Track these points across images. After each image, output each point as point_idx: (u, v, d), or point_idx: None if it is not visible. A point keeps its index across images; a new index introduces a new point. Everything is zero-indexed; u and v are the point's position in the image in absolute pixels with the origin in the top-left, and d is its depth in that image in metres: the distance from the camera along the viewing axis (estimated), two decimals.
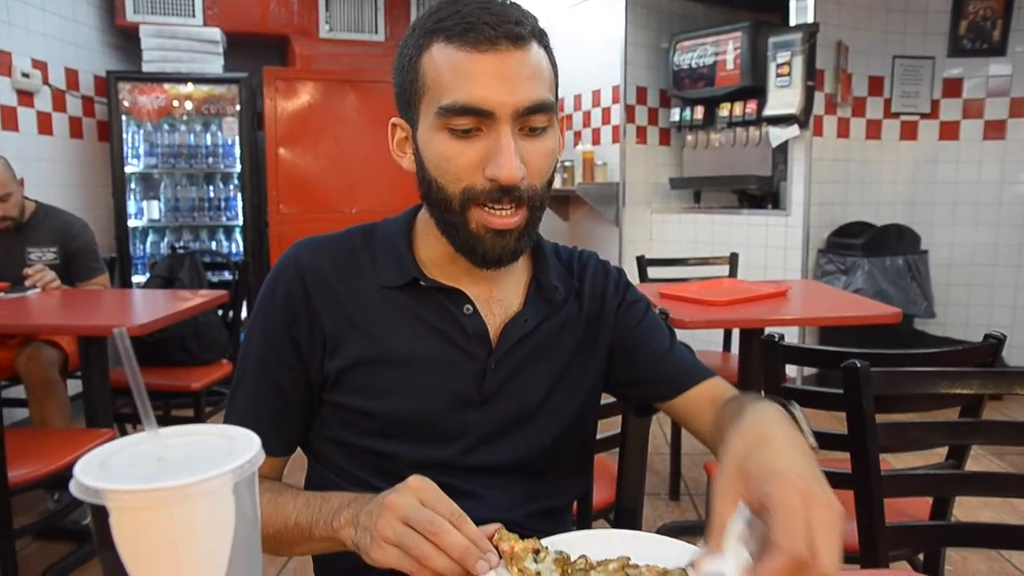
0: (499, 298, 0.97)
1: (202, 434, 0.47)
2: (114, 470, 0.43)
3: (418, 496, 0.72)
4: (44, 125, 3.91)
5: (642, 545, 0.76)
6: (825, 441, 1.45)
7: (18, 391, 2.89)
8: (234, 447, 0.45)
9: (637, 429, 1.26)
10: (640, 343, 1.04)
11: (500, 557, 0.70)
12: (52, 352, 2.78)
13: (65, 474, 2.07)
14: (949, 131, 4.40)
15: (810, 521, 0.57)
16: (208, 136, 4.52)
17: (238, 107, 4.47)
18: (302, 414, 0.96)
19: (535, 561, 0.70)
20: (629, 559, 0.72)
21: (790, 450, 0.66)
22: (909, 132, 4.46)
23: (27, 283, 2.78)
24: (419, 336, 0.94)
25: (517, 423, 0.96)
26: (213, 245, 4.64)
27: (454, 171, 0.85)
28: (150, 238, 4.60)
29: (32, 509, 2.71)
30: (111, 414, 2.54)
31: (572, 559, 0.72)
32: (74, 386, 2.98)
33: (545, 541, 0.75)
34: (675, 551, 0.75)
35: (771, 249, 4.28)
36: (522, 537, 0.73)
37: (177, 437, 0.47)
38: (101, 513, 0.41)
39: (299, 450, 1.02)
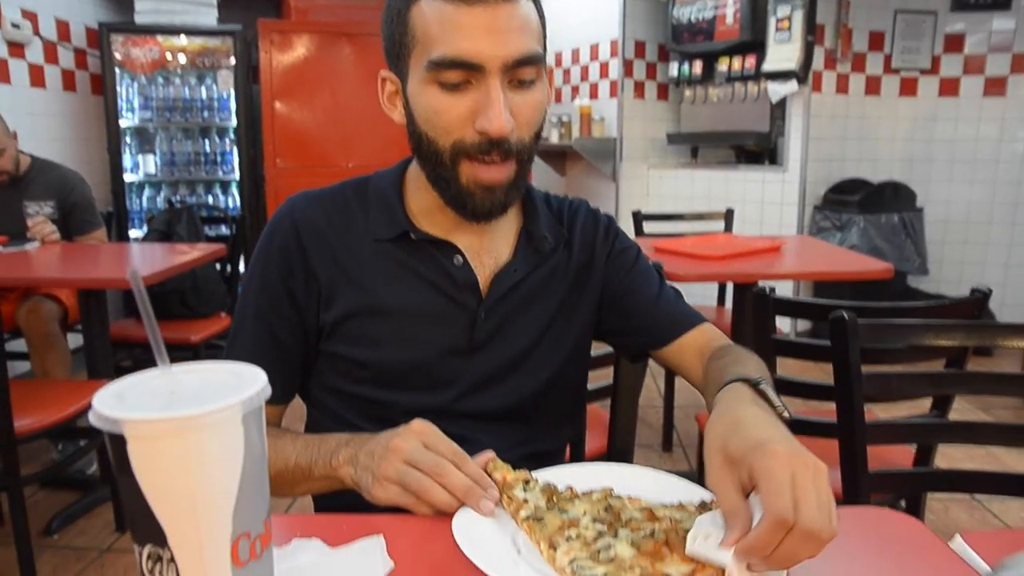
0: (489, 249, 1.00)
1: (211, 371, 0.50)
2: (130, 402, 0.46)
3: (421, 439, 0.75)
4: (36, 77, 3.87)
5: (628, 477, 0.80)
6: (811, 392, 1.50)
7: (19, 345, 2.92)
8: (242, 382, 0.48)
9: (629, 374, 1.29)
10: (630, 291, 1.07)
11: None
12: (52, 306, 2.80)
13: (69, 424, 2.12)
14: (949, 87, 4.38)
15: (794, 481, 0.60)
16: (203, 89, 4.48)
17: (233, 60, 4.42)
18: (299, 363, 0.99)
19: (524, 490, 0.74)
20: (612, 490, 0.75)
21: (762, 425, 0.68)
22: (909, 88, 4.43)
23: (29, 234, 2.79)
24: (411, 287, 0.96)
25: (507, 370, 1.00)
26: (210, 200, 4.63)
27: (444, 125, 0.87)
28: (146, 192, 4.59)
29: (37, 459, 2.77)
30: (112, 366, 2.57)
31: (559, 490, 0.76)
32: (74, 340, 3.01)
33: (535, 473, 0.78)
34: (660, 482, 0.79)
35: (767, 205, 4.29)
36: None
37: (188, 373, 0.50)
38: (119, 442, 0.44)
39: (297, 402, 1.05)
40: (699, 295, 3.45)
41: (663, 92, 4.82)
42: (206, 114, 4.50)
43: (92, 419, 0.44)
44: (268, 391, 0.48)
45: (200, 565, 0.46)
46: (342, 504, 0.93)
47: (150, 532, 0.45)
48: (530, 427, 1.02)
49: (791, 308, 1.55)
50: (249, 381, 0.48)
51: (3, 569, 2.15)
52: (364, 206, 0.99)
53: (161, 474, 0.44)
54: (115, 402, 0.45)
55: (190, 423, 0.44)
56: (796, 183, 4.15)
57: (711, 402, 0.81)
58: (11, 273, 2.40)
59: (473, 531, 0.68)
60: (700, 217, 3.33)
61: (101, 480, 2.64)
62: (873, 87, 4.42)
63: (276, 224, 0.99)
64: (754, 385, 0.79)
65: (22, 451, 1.93)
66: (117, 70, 4.27)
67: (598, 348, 1.29)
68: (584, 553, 0.63)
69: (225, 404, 0.45)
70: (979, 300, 1.53)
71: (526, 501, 0.73)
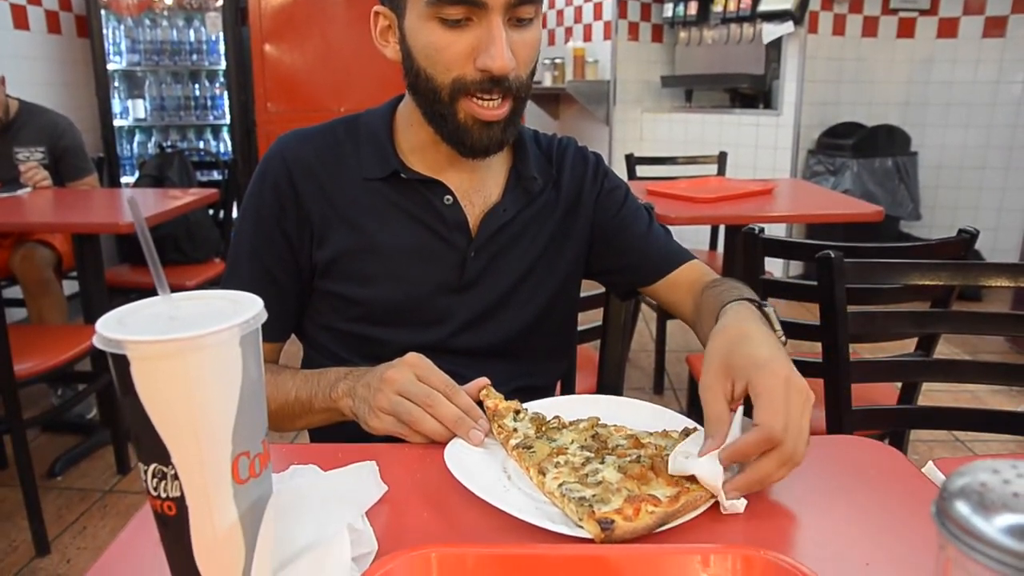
0: (478, 188, 1.01)
1: (210, 298, 0.51)
2: (132, 326, 0.47)
3: (414, 371, 0.78)
4: (19, 19, 3.79)
5: (614, 407, 0.83)
6: (798, 331, 1.52)
7: (15, 292, 2.93)
8: (239, 307, 0.49)
9: (618, 312, 1.32)
10: (620, 230, 1.08)
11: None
12: (46, 252, 2.80)
13: (67, 369, 2.14)
14: (948, 28, 4.32)
15: (788, 406, 0.64)
16: (191, 32, 4.40)
17: (220, 1, 4.33)
18: (294, 300, 1.01)
19: (514, 420, 0.77)
20: (599, 419, 0.78)
21: (768, 344, 0.71)
22: (907, 29, 4.37)
23: (23, 179, 2.77)
24: (401, 226, 0.98)
25: (497, 307, 1.02)
26: (201, 145, 4.59)
27: (445, 61, 0.87)
28: (137, 138, 4.54)
29: (37, 404, 2.80)
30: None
31: (548, 419, 0.78)
32: (69, 287, 3.02)
33: (527, 405, 0.81)
34: (644, 412, 0.82)
35: (761, 149, 4.27)
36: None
37: (187, 300, 0.51)
38: (122, 363, 0.46)
39: (293, 346, 1.07)
40: (691, 239, 3.45)
41: (658, 34, 4.75)
42: (195, 57, 4.42)
43: (96, 342, 0.46)
44: (264, 316, 0.50)
45: (202, 481, 0.48)
46: (338, 437, 0.96)
47: (154, 450, 0.47)
48: (521, 363, 1.05)
49: (780, 248, 1.56)
50: (246, 306, 0.49)
51: (10, 510, 2.21)
52: (355, 145, 1.00)
53: (163, 394, 0.46)
54: (118, 325, 0.47)
55: (190, 344, 0.45)
56: (790, 127, 4.13)
57: (705, 331, 0.83)
58: (4, 219, 2.40)
59: (464, 459, 0.71)
60: (693, 161, 3.32)
61: (101, 424, 2.68)
62: (870, 28, 4.36)
63: (267, 163, 0.99)
64: (759, 306, 0.81)
65: (22, 396, 1.96)
66: (103, 11, 4.18)
67: (588, 288, 1.31)
68: (572, 477, 0.66)
69: (223, 327, 0.46)
70: (966, 241, 1.55)
71: (516, 430, 0.75)
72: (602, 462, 0.69)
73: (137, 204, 0.48)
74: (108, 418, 2.53)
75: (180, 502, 0.49)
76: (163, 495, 0.49)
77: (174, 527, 0.50)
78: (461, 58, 0.86)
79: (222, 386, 0.47)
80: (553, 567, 0.54)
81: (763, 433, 0.62)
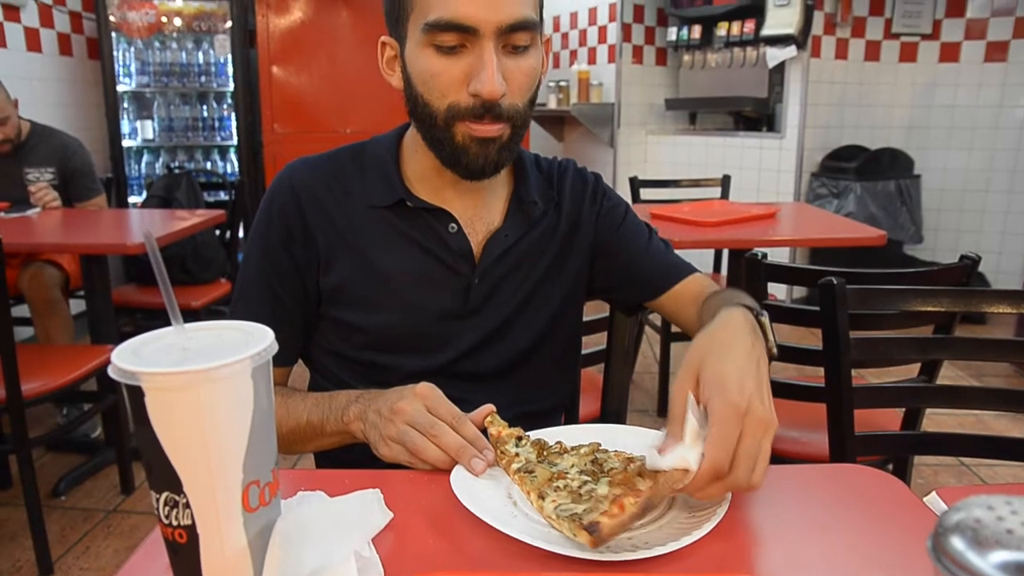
0: (482, 215, 1.03)
1: (222, 328, 0.53)
2: (146, 357, 0.48)
3: (424, 402, 0.79)
4: (32, 42, 3.85)
5: (617, 435, 0.83)
6: (800, 356, 1.53)
7: (22, 311, 2.95)
8: (251, 339, 0.51)
9: (622, 334, 1.33)
10: (621, 247, 1.10)
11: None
12: (54, 272, 2.82)
13: (73, 388, 2.15)
14: (950, 53, 4.35)
15: (741, 441, 0.64)
16: (200, 54, 4.45)
17: (229, 24, 4.39)
18: (301, 325, 1.02)
19: (517, 445, 0.78)
20: (600, 444, 0.79)
21: (743, 361, 0.70)
22: (909, 54, 4.41)
23: (32, 200, 2.80)
24: (407, 254, 0.99)
25: (501, 331, 1.03)
26: (208, 165, 4.63)
27: (439, 87, 0.89)
28: (145, 158, 4.59)
29: (42, 423, 2.81)
30: (116, 330, 2.60)
31: (550, 445, 0.79)
32: (76, 306, 3.04)
33: (529, 433, 0.82)
34: (647, 439, 0.82)
35: (764, 172, 4.29)
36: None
37: (199, 331, 0.52)
38: (137, 394, 0.47)
39: (300, 371, 1.08)
40: (695, 262, 3.47)
41: (662, 57, 4.80)
42: (203, 79, 4.47)
43: (112, 373, 0.47)
44: (275, 348, 0.51)
45: (214, 510, 0.49)
46: (344, 460, 0.97)
47: (166, 479, 0.48)
48: (524, 386, 1.05)
49: (783, 274, 1.57)
50: (258, 338, 0.51)
51: (14, 529, 2.21)
52: (361, 172, 1.02)
53: (176, 424, 0.47)
54: (133, 357, 0.48)
55: (203, 376, 0.47)
56: (793, 150, 4.15)
57: (689, 349, 0.84)
58: (13, 239, 2.41)
59: (470, 485, 0.72)
60: (697, 184, 3.34)
61: (106, 443, 2.69)
62: (873, 52, 4.40)
63: (275, 190, 1.01)
64: (755, 315, 0.81)
65: (28, 415, 1.97)
66: (113, 34, 4.24)
67: (592, 311, 1.32)
68: (569, 500, 0.67)
69: (236, 359, 0.47)
70: (968, 267, 1.55)
71: (518, 455, 0.76)
72: (596, 482, 0.70)
73: (153, 239, 0.49)
74: (113, 438, 2.53)
75: (191, 530, 0.50)
76: (174, 523, 0.50)
77: (185, 554, 0.51)
78: (455, 84, 0.88)
79: (234, 417, 0.48)
80: None
81: (707, 466, 0.63)
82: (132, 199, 4.46)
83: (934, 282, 1.56)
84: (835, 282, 1.29)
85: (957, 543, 0.36)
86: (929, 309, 1.36)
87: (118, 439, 2.47)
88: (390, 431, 0.78)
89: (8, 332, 1.87)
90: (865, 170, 4.10)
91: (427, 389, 0.81)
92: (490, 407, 0.82)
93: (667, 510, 0.71)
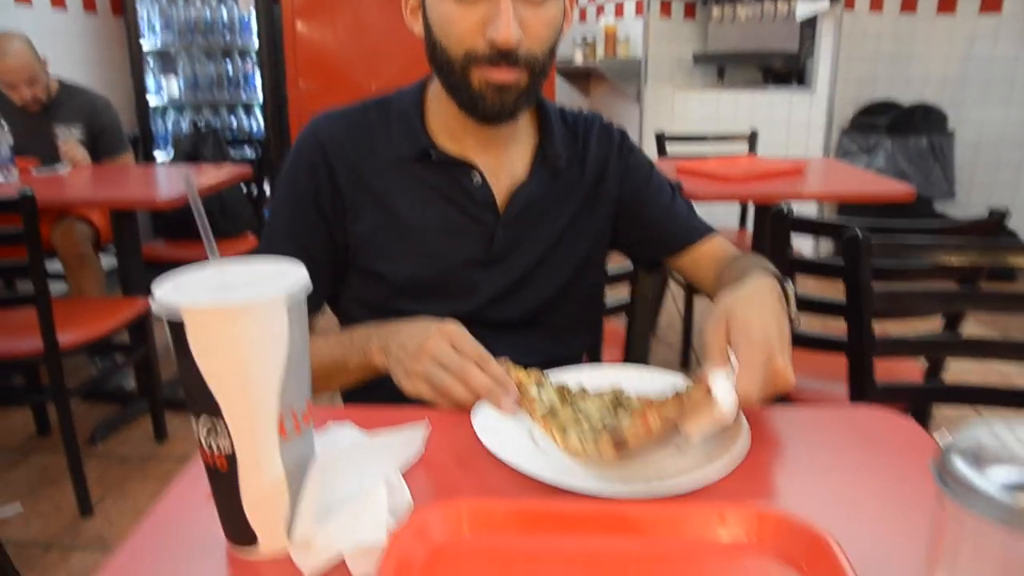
0: (505, 167, 1.04)
1: (258, 265, 0.55)
2: (187, 292, 0.51)
3: (451, 340, 0.80)
4: None
5: (639, 376, 0.85)
6: (824, 308, 1.53)
7: (54, 266, 3.01)
8: (286, 275, 0.53)
9: (645, 284, 1.35)
10: (645, 203, 1.11)
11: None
12: (84, 227, 2.87)
13: (107, 340, 2.22)
14: (991, 3, 4.21)
15: (764, 380, 0.69)
16: (224, 10, 4.44)
17: None
18: (327, 275, 1.04)
19: (539, 390, 0.80)
20: (622, 390, 0.80)
21: (769, 317, 0.75)
22: (947, 5, 4.28)
23: (62, 156, 2.85)
24: (431, 205, 1.01)
25: (524, 280, 1.05)
26: (233, 122, 4.65)
27: (457, 34, 0.90)
28: (170, 116, 4.62)
29: (77, 375, 2.90)
30: (146, 284, 2.65)
31: (572, 389, 0.81)
32: (107, 263, 3.10)
33: (549, 374, 0.84)
34: (668, 381, 0.84)
35: (793, 128, 4.23)
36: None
37: (237, 267, 0.55)
38: (178, 328, 0.50)
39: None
40: (721, 216, 3.44)
41: (690, 11, 4.70)
42: (228, 36, 4.47)
43: (154, 308, 0.50)
44: (309, 285, 0.53)
45: (251, 436, 0.52)
46: (368, 401, 1.00)
47: (206, 406, 0.51)
48: (548, 335, 1.08)
49: (808, 227, 1.57)
50: (292, 274, 0.53)
51: (55, 474, 2.30)
52: (386, 125, 1.03)
53: (216, 355, 0.50)
54: (174, 292, 0.51)
55: (241, 310, 0.49)
56: (824, 105, 4.08)
57: (716, 299, 0.86)
58: (45, 195, 2.45)
59: (493, 426, 0.74)
60: (724, 139, 3.30)
61: (139, 394, 2.77)
62: (909, 4, 4.28)
63: (302, 143, 1.03)
64: (781, 284, 0.84)
65: (64, 366, 2.03)
66: None
67: (617, 264, 1.34)
68: (591, 435, 0.69)
69: (273, 293, 0.50)
70: (996, 221, 1.54)
71: (540, 399, 0.78)
72: (618, 418, 0.73)
73: (192, 178, 0.51)
74: (145, 388, 2.61)
75: (231, 456, 0.53)
76: (215, 450, 0.53)
77: (225, 480, 0.54)
78: (472, 31, 0.89)
79: (270, 349, 0.51)
80: (576, 522, 0.57)
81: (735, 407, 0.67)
82: (159, 156, 4.50)
83: (961, 235, 1.54)
84: (859, 234, 1.29)
85: (959, 463, 0.38)
86: (954, 262, 1.35)
87: (151, 390, 2.54)
88: (416, 368, 0.80)
89: (43, 286, 1.92)
90: (897, 126, 4.02)
91: (454, 328, 0.82)
92: (505, 359, 0.83)
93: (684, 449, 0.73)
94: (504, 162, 1.04)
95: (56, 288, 3.37)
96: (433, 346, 0.80)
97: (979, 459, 0.38)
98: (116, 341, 2.60)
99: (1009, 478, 0.36)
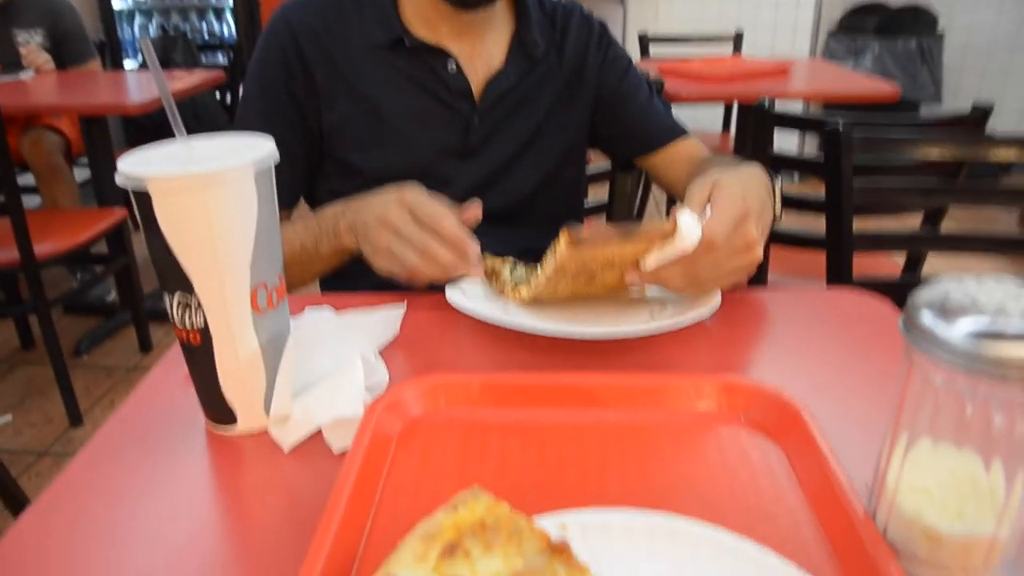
0: (481, 55, 1.01)
1: (225, 138, 0.53)
2: (152, 164, 0.49)
3: (409, 208, 0.76)
4: None
5: None
6: (804, 205, 1.54)
7: (27, 180, 2.94)
8: (253, 146, 0.52)
9: (624, 184, 1.34)
10: (622, 99, 1.09)
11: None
12: (54, 137, 2.79)
13: (84, 250, 2.19)
14: None
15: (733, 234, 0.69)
16: None
17: None
18: (302, 166, 1.02)
19: (510, 272, 0.80)
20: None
21: (754, 193, 0.74)
22: None
23: (24, 62, 2.74)
24: (406, 92, 0.98)
25: (502, 172, 1.04)
26: (204, 27, 4.48)
27: None
28: (137, 21, 4.43)
29: (58, 289, 2.88)
30: (122, 193, 2.61)
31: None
32: (81, 176, 3.02)
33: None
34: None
35: (779, 30, 4.13)
36: None
37: (204, 141, 0.53)
38: (144, 199, 0.49)
39: None
40: (705, 120, 3.41)
41: None
42: None
43: (119, 180, 0.49)
44: (276, 155, 0.52)
45: (224, 311, 0.52)
46: (345, 290, 1.00)
47: (178, 280, 0.51)
48: (526, 227, 1.07)
49: (790, 122, 1.55)
50: (259, 146, 0.52)
51: (42, 385, 2.31)
52: (359, 12, 0.99)
53: (184, 227, 0.49)
54: (139, 163, 0.49)
55: (208, 179, 0.48)
56: (811, 7, 3.97)
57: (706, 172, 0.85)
58: (8, 102, 2.38)
59: (466, 292, 0.77)
60: (708, 40, 3.22)
61: (121, 306, 2.76)
62: None
63: (272, 28, 0.99)
64: (770, 176, 0.84)
65: (44, 280, 2.01)
66: None
67: (594, 164, 1.32)
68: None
69: (240, 162, 0.49)
70: (979, 117, 1.52)
71: (512, 280, 0.79)
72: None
73: (150, 46, 0.49)
74: (127, 300, 2.60)
75: (205, 332, 0.53)
76: (188, 326, 0.53)
77: (200, 356, 0.54)
78: None
79: (239, 219, 0.50)
80: (551, 395, 0.58)
81: (705, 234, 0.67)
82: (127, 63, 4.34)
83: (943, 130, 1.53)
84: (841, 127, 1.28)
85: (926, 315, 0.38)
86: (936, 156, 1.35)
87: (133, 301, 2.53)
88: (379, 242, 0.77)
89: (15, 194, 1.88)
90: (885, 28, 3.94)
91: (410, 194, 0.77)
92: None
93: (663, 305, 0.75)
94: (480, 50, 1.01)
95: (30, 202, 3.31)
96: (392, 217, 0.76)
97: (946, 311, 0.38)
98: (94, 252, 2.57)
99: (974, 327, 0.37)
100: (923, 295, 0.39)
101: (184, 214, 0.48)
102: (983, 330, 0.36)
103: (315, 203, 1.09)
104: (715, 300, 0.73)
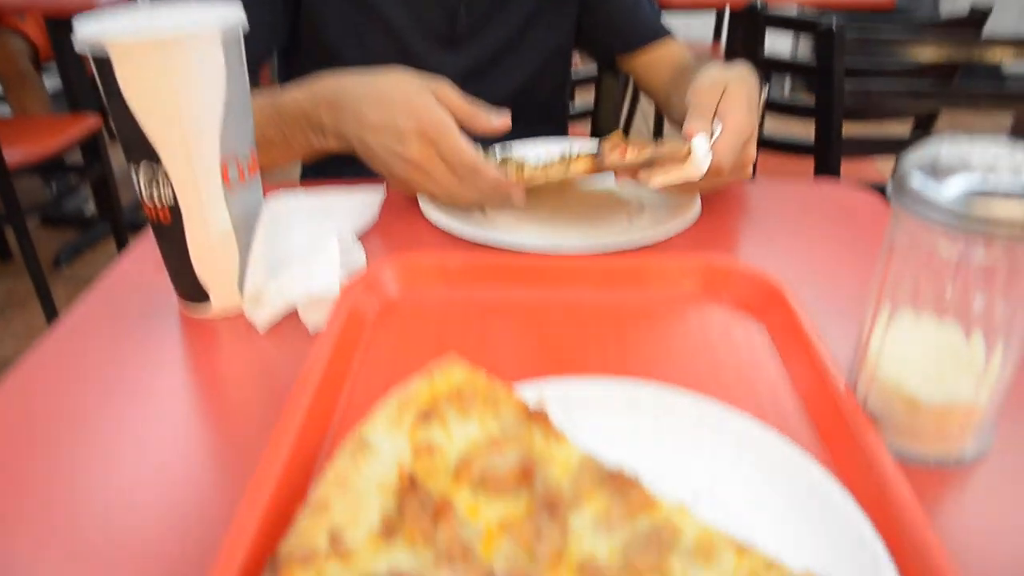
0: None
1: (192, 8, 0.50)
2: (114, 28, 0.46)
3: (436, 147, 0.69)
4: None
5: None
6: (794, 111, 1.51)
7: None
8: (220, 12, 0.49)
9: (611, 88, 1.31)
10: None
11: None
12: (20, 42, 2.69)
13: (58, 159, 2.13)
14: None
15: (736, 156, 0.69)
16: None
17: None
18: (280, 7, 0.94)
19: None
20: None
21: (754, 105, 0.74)
22: None
23: None
24: None
25: (488, 66, 1.01)
26: None
27: None
28: None
29: (33, 199, 2.82)
30: (95, 100, 2.52)
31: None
32: (51, 86, 2.92)
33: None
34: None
35: None
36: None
37: (170, 9, 0.50)
38: (106, 66, 0.46)
39: None
40: (697, 28, 3.32)
41: None
42: None
43: (77, 46, 0.46)
44: (245, 24, 0.49)
45: (193, 184, 0.50)
46: (327, 175, 0.97)
47: (143, 150, 0.48)
48: (514, 126, 1.04)
49: (781, 23, 1.50)
50: (227, 13, 0.49)
51: (22, 296, 2.29)
52: None
53: (148, 94, 0.47)
54: (100, 27, 0.46)
55: (172, 43, 0.45)
56: None
57: (707, 73, 0.82)
58: None
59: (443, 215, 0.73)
60: None
61: (100, 217, 2.71)
62: None
63: None
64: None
65: (18, 191, 1.96)
66: None
67: (580, 68, 1.29)
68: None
69: (205, 25, 0.46)
70: (977, 20, 1.49)
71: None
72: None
73: None
74: (105, 211, 2.55)
75: (175, 209, 0.51)
76: (157, 203, 0.51)
77: (171, 234, 0.52)
78: None
79: (206, 86, 0.48)
80: (532, 275, 0.58)
81: (714, 162, 0.66)
82: None
83: (939, 32, 1.49)
84: (835, 26, 1.25)
85: (916, 176, 0.37)
86: (930, 58, 1.31)
87: (111, 211, 2.48)
88: (397, 173, 0.70)
89: None
90: None
91: (431, 129, 0.68)
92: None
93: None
94: None
95: None
96: (417, 156, 0.68)
97: (936, 171, 0.37)
98: (70, 163, 2.50)
99: (964, 186, 0.36)
100: (914, 156, 0.38)
101: (148, 80, 0.46)
102: (972, 189, 0.35)
103: None
104: (695, 209, 0.71)
